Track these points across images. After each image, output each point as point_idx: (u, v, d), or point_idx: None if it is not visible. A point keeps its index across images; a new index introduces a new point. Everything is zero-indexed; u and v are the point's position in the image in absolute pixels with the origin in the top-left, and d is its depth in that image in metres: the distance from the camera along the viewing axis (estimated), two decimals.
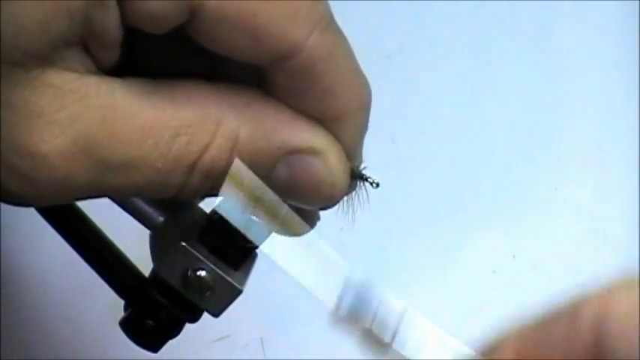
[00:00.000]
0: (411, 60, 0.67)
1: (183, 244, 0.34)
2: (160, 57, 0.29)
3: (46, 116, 0.26)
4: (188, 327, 0.37)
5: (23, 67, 0.25)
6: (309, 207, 0.32)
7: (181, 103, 0.27)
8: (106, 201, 0.34)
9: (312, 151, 0.29)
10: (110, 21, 0.26)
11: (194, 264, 0.34)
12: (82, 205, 0.37)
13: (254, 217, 0.31)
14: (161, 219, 0.36)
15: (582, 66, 0.67)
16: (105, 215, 0.37)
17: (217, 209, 0.31)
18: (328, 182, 0.30)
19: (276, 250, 0.31)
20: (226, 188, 0.29)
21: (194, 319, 0.37)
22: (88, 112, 0.26)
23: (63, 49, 0.25)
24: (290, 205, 0.34)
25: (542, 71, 0.68)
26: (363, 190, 0.33)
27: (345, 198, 0.32)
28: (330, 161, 0.30)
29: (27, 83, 0.25)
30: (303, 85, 0.28)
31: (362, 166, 0.32)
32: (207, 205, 0.36)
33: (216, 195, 0.30)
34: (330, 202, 0.31)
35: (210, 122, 0.28)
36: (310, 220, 0.36)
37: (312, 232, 0.37)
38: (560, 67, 0.68)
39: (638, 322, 0.23)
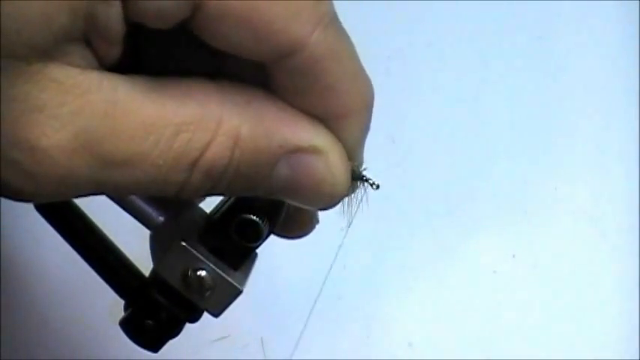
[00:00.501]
0: (411, 60, 0.67)
1: (184, 244, 0.34)
2: (163, 54, 0.29)
3: (47, 111, 0.25)
4: (188, 327, 0.37)
5: (25, 61, 0.25)
6: (309, 207, 0.31)
7: (183, 101, 0.27)
8: (106, 201, 0.34)
9: (313, 150, 0.29)
10: (113, 16, 0.26)
11: (194, 264, 0.34)
12: (81, 204, 0.37)
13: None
14: (161, 219, 0.36)
15: (582, 66, 0.67)
16: (105, 215, 0.37)
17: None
18: (329, 182, 0.30)
19: None
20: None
21: (194, 319, 0.36)
22: (89, 107, 0.26)
23: (65, 44, 0.25)
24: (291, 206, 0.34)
25: (541, 71, 0.68)
26: (363, 191, 0.32)
27: (346, 199, 0.32)
28: (332, 161, 0.29)
29: (29, 77, 0.25)
30: (305, 83, 0.28)
31: (362, 167, 0.32)
32: (207, 205, 0.36)
33: (216, 194, 0.30)
34: (330, 203, 0.31)
35: (211, 120, 0.27)
36: (309, 222, 0.36)
37: (312, 232, 0.37)
38: (560, 68, 0.68)
39: None
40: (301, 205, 0.31)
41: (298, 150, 0.29)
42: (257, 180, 0.29)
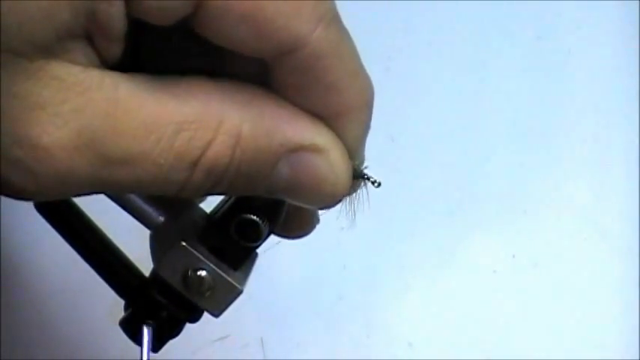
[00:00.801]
0: (411, 60, 0.67)
1: (184, 244, 0.34)
2: (164, 53, 0.29)
3: (49, 108, 0.25)
4: (188, 327, 0.37)
5: (27, 57, 0.25)
6: (310, 206, 0.31)
7: (184, 99, 0.27)
8: (106, 201, 0.34)
9: (314, 149, 0.29)
10: (114, 13, 0.26)
11: (194, 264, 0.34)
12: (81, 204, 0.37)
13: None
14: (161, 219, 0.36)
15: (582, 65, 0.67)
16: (105, 215, 0.37)
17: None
18: (330, 181, 0.30)
19: None
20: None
21: (194, 319, 0.36)
22: (91, 105, 0.26)
23: (67, 41, 0.25)
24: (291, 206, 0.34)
25: (542, 71, 0.68)
26: (364, 189, 0.32)
27: (347, 197, 0.32)
28: (333, 159, 0.29)
29: (30, 74, 0.25)
30: (306, 81, 0.28)
31: (363, 165, 0.32)
32: (207, 205, 0.36)
33: (217, 194, 0.30)
34: (331, 202, 0.31)
35: (212, 119, 0.27)
36: (310, 222, 0.36)
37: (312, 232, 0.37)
38: (560, 67, 0.68)
39: None
40: (302, 205, 0.31)
41: (299, 148, 0.29)
42: (258, 179, 0.29)
